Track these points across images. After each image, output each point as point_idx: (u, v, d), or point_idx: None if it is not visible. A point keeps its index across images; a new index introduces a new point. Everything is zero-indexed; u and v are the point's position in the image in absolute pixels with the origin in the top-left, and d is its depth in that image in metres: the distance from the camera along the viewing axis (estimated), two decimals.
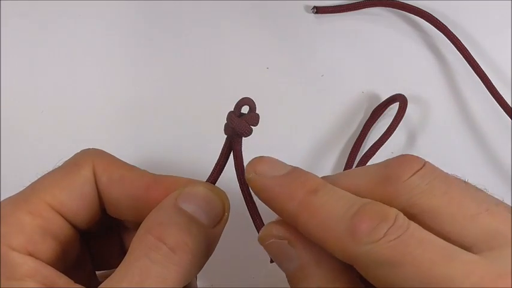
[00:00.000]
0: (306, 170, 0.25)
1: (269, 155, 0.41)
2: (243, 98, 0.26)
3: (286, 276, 0.25)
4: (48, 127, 0.41)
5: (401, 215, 0.22)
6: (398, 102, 0.40)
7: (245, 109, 0.27)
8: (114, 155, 0.28)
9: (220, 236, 0.26)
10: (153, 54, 0.42)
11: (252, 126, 0.27)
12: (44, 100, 0.41)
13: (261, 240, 0.25)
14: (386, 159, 0.24)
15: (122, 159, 0.28)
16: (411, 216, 0.22)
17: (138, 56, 0.42)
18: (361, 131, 0.41)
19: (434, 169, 0.23)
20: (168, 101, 0.41)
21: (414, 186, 0.23)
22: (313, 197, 0.23)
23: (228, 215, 0.26)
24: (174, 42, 0.42)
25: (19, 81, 0.41)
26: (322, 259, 0.24)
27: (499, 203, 0.23)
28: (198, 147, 0.40)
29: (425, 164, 0.23)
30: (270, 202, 0.24)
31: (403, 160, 0.24)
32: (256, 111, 0.27)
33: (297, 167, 0.25)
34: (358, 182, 0.24)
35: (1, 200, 0.25)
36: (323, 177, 0.25)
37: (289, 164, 0.25)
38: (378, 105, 0.42)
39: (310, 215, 0.23)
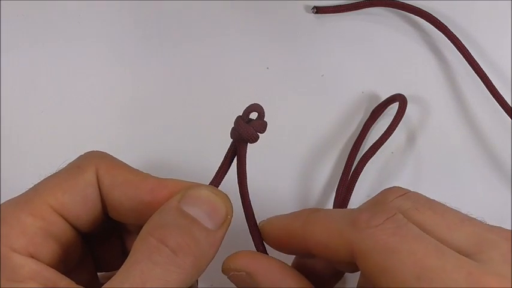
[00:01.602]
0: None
1: (269, 155, 0.41)
2: (252, 104, 0.26)
3: None
4: (48, 127, 0.41)
5: (401, 214, 0.23)
6: (398, 102, 0.40)
7: (253, 115, 0.27)
8: (115, 155, 0.28)
9: (223, 239, 0.26)
10: (153, 55, 0.42)
11: (258, 133, 0.27)
12: (44, 100, 0.41)
13: (223, 273, 0.27)
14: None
15: (122, 160, 0.28)
16: None
17: (137, 56, 0.42)
18: (361, 130, 0.41)
19: (418, 194, 0.25)
20: (168, 101, 0.41)
21: (399, 205, 0.24)
22: (316, 213, 0.26)
23: (231, 218, 0.26)
24: (174, 43, 0.42)
25: (19, 81, 0.41)
26: None
27: (481, 220, 0.24)
28: (198, 149, 0.40)
29: (409, 191, 0.25)
30: (279, 231, 0.27)
31: (388, 189, 0.26)
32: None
33: None
34: (349, 211, 0.26)
35: (1, 200, 0.25)
36: None
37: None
38: (378, 105, 0.42)
39: (315, 224, 0.25)
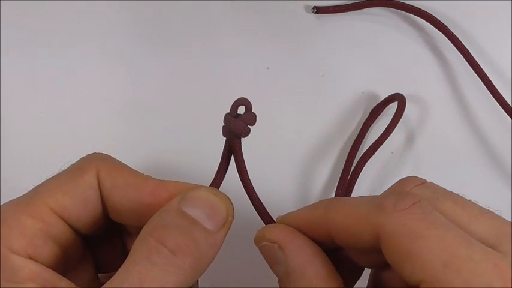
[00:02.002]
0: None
1: (269, 155, 0.41)
2: (238, 99, 0.27)
3: (278, 278, 0.26)
4: (48, 127, 0.41)
5: (426, 201, 0.23)
6: (397, 102, 0.40)
7: (241, 110, 0.27)
8: (114, 155, 0.28)
9: (223, 240, 0.25)
10: (153, 55, 0.42)
11: (249, 126, 0.27)
12: (44, 100, 0.41)
13: (255, 242, 0.26)
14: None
15: (122, 159, 0.28)
16: None
17: (137, 56, 0.42)
18: (360, 130, 0.41)
19: (435, 184, 0.25)
20: (168, 101, 0.41)
21: (420, 193, 0.24)
22: (338, 200, 0.26)
23: (232, 219, 0.26)
24: (174, 43, 0.42)
25: (19, 81, 0.41)
26: (309, 267, 0.25)
27: (498, 213, 0.25)
28: (199, 149, 0.40)
29: (425, 181, 0.25)
30: (298, 222, 0.26)
31: (405, 179, 0.26)
32: (253, 111, 0.27)
33: None
34: (372, 197, 0.25)
35: (1, 199, 0.25)
36: None
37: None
38: (377, 105, 0.42)
39: (338, 210, 0.25)
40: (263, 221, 0.28)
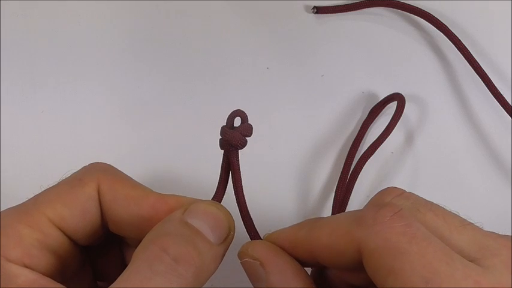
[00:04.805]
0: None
1: (268, 155, 0.41)
2: (234, 111, 0.27)
3: None
4: (48, 127, 0.41)
5: (407, 211, 0.23)
6: (396, 101, 0.40)
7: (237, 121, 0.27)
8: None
9: (224, 255, 0.25)
10: (153, 55, 0.42)
11: (246, 138, 0.26)
12: (44, 100, 0.41)
13: (238, 256, 0.26)
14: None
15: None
16: None
17: (137, 56, 0.42)
18: (359, 130, 0.41)
19: (414, 194, 0.25)
20: (168, 102, 0.41)
21: (400, 204, 0.24)
22: (320, 219, 0.26)
23: (234, 235, 0.26)
24: (173, 43, 0.42)
25: (19, 81, 0.41)
26: (289, 286, 0.25)
27: (479, 225, 0.24)
28: (198, 153, 0.40)
29: (404, 191, 0.25)
30: (284, 241, 0.26)
31: (384, 190, 0.26)
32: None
33: None
34: (353, 212, 0.25)
35: (1, 198, 0.25)
36: None
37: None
38: (376, 105, 0.42)
39: (321, 228, 0.25)
40: (249, 236, 0.28)
